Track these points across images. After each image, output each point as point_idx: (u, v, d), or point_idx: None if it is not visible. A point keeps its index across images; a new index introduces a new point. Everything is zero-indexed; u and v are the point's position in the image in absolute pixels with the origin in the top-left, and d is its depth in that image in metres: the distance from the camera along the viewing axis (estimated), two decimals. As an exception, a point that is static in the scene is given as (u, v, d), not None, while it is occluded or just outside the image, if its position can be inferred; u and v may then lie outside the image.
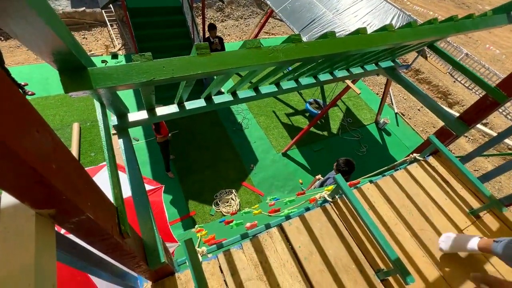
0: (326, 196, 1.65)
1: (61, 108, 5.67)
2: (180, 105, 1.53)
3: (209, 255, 1.37)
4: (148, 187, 2.91)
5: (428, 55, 7.33)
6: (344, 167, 2.92)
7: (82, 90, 0.69)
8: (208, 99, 1.58)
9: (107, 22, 7.98)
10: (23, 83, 5.76)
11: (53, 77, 6.06)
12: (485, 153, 1.99)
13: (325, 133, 6.69)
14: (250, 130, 6.28)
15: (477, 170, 6.76)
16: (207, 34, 5.72)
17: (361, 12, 5.48)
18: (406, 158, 2.11)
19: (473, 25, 1.57)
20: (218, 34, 7.88)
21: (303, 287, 1.33)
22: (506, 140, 7.19)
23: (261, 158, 5.76)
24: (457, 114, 1.94)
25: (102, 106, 1.15)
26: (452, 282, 1.47)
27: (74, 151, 4.86)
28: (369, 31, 1.23)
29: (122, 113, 1.38)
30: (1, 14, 0.47)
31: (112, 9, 8.14)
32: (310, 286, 1.34)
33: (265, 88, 1.74)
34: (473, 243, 1.45)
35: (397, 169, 2.02)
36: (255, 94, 1.68)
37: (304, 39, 5.09)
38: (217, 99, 1.59)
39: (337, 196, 1.69)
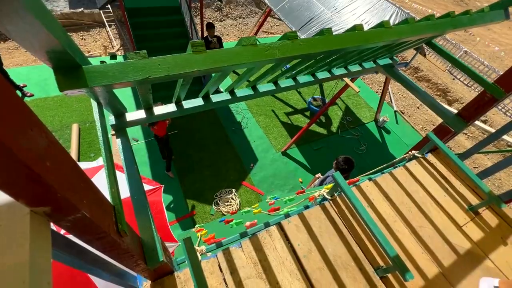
0: (325, 194, 1.65)
1: (60, 109, 5.67)
2: (178, 104, 1.52)
3: (209, 254, 1.37)
4: (147, 187, 2.91)
5: (426, 53, 7.32)
6: (344, 165, 2.92)
7: (77, 88, 0.69)
8: (206, 98, 1.57)
9: (106, 22, 7.97)
10: (22, 84, 5.75)
11: (52, 78, 5.94)
12: (483, 150, 1.99)
13: (325, 131, 6.69)
14: (249, 129, 6.28)
15: (477, 167, 6.76)
16: (205, 34, 5.71)
17: (359, 10, 5.47)
18: (405, 155, 2.11)
19: (470, 21, 1.56)
20: (217, 33, 7.87)
21: (302, 285, 1.33)
22: (506, 138, 7.19)
23: (260, 157, 5.76)
24: (456, 111, 1.94)
25: (99, 105, 1.15)
26: (451, 278, 1.48)
27: (73, 152, 4.86)
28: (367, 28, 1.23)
29: (119, 112, 1.38)
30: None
31: (110, 10, 8.14)
32: (309, 283, 1.35)
33: (263, 87, 1.74)
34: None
35: (396, 167, 2.02)
36: (253, 93, 1.68)
37: (303, 37, 5.08)
38: (215, 98, 1.58)
39: (336, 194, 1.69)
